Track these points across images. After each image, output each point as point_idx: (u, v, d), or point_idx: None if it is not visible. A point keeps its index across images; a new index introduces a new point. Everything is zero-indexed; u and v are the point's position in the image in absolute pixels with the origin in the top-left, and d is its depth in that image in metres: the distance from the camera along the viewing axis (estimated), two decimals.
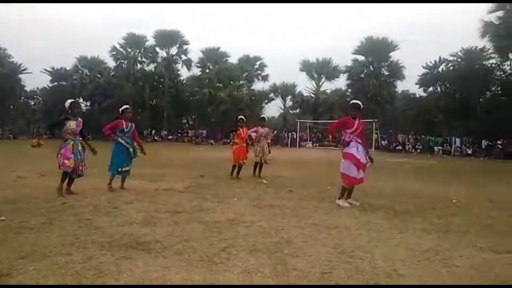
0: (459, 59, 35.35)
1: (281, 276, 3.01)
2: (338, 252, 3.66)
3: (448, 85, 36.32)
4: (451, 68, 36.02)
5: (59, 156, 6.38)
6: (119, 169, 7.21)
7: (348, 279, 2.99)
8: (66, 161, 6.31)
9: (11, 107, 48.34)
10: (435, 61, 37.16)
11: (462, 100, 34.29)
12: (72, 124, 6.44)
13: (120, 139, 7.18)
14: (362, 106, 6.52)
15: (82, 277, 2.86)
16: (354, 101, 6.83)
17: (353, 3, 71.70)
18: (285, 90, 48.09)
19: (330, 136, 7.50)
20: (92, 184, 7.37)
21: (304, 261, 3.38)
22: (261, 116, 10.95)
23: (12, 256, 3.27)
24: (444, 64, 36.69)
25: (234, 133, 9.85)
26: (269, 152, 10.13)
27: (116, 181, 7.31)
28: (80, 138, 6.65)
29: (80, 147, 6.53)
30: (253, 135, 10.01)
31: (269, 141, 10.35)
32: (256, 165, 9.96)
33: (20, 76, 46.79)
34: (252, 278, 2.97)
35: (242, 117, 10.20)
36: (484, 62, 33.89)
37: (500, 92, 33.54)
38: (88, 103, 46.67)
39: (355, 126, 6.29)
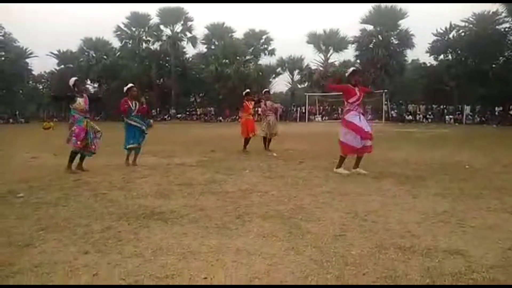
0: (471, 25, 34.30)
1: (296, 239, 3.05)
2: (352, 217, 3.68)
3: (459, 52, 35.38)
4: (463, 34, 34.99)
5: (72, 135, 6.45)
6: (134, 144, 7.27)
7: (362, 240, 3.01)
8: (78, 142, 6.42)
9: (20, 91, 48.71)
10: (445, 28, 36.13)
11: (474, 66, 33.48)
12: (81, 102, 6.50)
13: (130, 121, 7.21)
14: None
15: (101, 245, 2.93)
16: (352, 67, 6.65)
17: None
18: (292, 64, 47.40)
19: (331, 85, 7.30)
20: (105, 161, 7.48)
21: (318, 225, 3.41)
22: (265, 90, 11.01)
23: (32, 228, 3.37)
24: (455, 30, 35.66)
25: (241, 107, 10.03)
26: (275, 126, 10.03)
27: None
28: (88, 116, 6.71)
29: (92, 125, 6.61)
30: (260, 109, 10.13)
31: (276, 114, 10.38)
32: (265, 139, 9.98)
33: (27, 60, 46.96)
34: (267, 241, 3.01)
35: (249, 90, 10.58)
36: (497, 27, 32.86)
37: None
38: (96, 85, 46.88)
39: (357, 95, 6.13)
